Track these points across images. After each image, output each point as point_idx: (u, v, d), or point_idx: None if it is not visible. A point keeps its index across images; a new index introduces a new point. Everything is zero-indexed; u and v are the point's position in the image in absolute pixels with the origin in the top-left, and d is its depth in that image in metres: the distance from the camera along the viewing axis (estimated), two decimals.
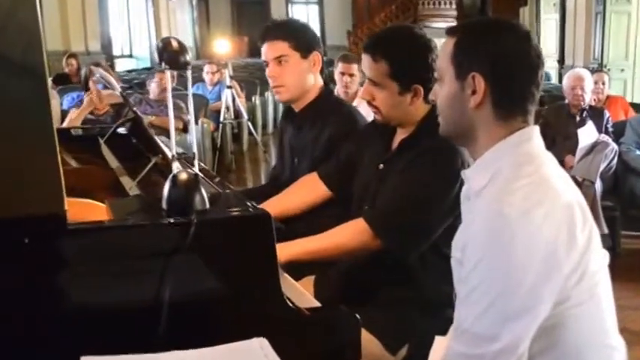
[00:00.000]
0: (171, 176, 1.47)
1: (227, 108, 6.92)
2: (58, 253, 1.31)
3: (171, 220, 1.39)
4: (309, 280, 2.09)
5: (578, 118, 4.69)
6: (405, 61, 1.89)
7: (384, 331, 1.85)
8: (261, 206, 2.14)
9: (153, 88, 5.90)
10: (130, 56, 14.88)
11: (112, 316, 1.35)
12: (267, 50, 2.35)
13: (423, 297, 1.91)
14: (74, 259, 1.32)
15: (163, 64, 1.54)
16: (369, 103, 1.98)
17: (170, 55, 1.53)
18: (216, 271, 1.42)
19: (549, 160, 1.37)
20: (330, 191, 2.25)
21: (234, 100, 6.98)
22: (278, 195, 2.30)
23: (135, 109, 2.12)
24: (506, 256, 1.24)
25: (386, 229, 1.87)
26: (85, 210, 1.70)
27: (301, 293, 1.74)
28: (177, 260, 1.36)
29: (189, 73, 1.55)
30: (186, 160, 2.29)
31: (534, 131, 1.38)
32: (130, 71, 11.36)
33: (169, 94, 1.54)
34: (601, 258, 1.35)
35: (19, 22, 1.25)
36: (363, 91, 1.99)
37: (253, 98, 8.73)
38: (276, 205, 2.22)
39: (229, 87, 6.94)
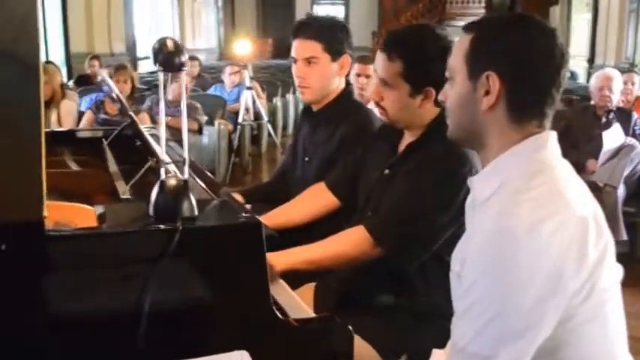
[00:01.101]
0: (159, 182, 1.41)
1: (246, 109, 6.87)
2: (36, 261, 1.26)
3: (154, 228, 1.34)
4: (310, 287, 2.04)
5: (603, 120, 4.54)
6: (421, 62, 1.80)
7: (382, 341, 1.78)
8: (268, 215, 2.13)
9: (173, 88, 5.89)
10: None
11: (92, 326, 1.30)
12: (298, 48, 2.31)
13: (423, 306, 1.85)
14: (53, 267, 1.28)
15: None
16: (377, 103, 1.91)
17: (165, 56, 1.47)
18: (201, 280, 1.38)
19: (565, 168, 1.28)
20: (338, 201, 2.20)
21: (254, 101, 6.93)
22: (286, 204, 2.25)
23: (131, 112, 2.06)
24: (508, 273, 1.15)
25: (387, 238, 1.80)
26: (76, 214, 1.65)
27: (296, 303, 1.69)
28: (160, 269, 1.32)
29: (183, 75, 1.48)
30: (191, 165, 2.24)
31: (550, 137, 1.28)
32: (152, 72, 11.38)
33: (161, 95, 1.48)
34: (614, 274, 1.25)
35: (11, 7, 1.18)
36: (372, 91, 1.93)
37: (274, 99, 8.69)
38: (283, 214, 2.19)
39: (249, 88, 6.89)
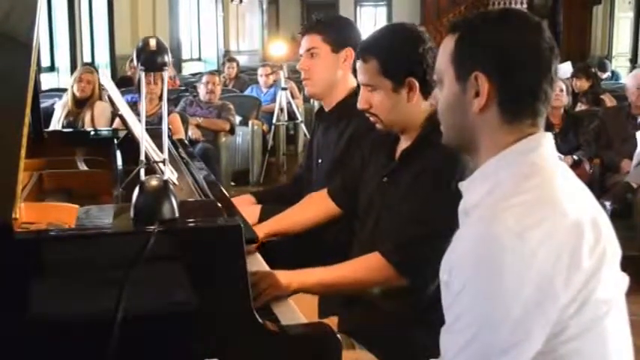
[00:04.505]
0: (139, 183, 1.40)
1: (281, 109, 6.89)
2: (4, 263, 1.24)
3: (128, 229, 1.32)
4: None
5: (639, 120, 4.40)
6: (393, 54, 1.83)
7: (387, 352, 1.73)
8: (268, 222, 2.11)
9: (201, 89, 5.96)
10: (199, 59, 15.11)
11: (64, 331, 1.28)
12: (303, 43, 2.39)
13: (435, 317, 1.78)
14: (23, 270, 1.25)
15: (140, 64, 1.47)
16: (368, 112, 1.90)
17: (147, 55, 1.46)
18: (179, 283, 1.35)
19: (561, 171, 1.20)
20: (339, 209, 2.17)
21: (289, 102, 6.95)
22: (287, 210, 2.23)
23: (120, 113, 2.06)
24: (494, 284, 1.08)
25: (407, 265, 1.74)
26: (71, 215, 1.65)
27: (291, 309, 1.65)
28: (137, 271, 1.28)
29: (165, 74, 1.47)
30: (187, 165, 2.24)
31: (544, 138, 1.22)
32: (194, 74, 11.51)
33: (142, 94, 1.47)
34: (616, 283, 1.17)
35: None
36: (359, 101, 1.91)
37: (312, 100, 8.67)
38: (283, 221, 2.18)
39: (284, 89, 6.91)
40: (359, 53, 1.89)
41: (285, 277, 1.76)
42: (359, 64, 1.89)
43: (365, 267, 1.80)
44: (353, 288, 1.82)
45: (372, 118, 1.90)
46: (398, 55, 1.82)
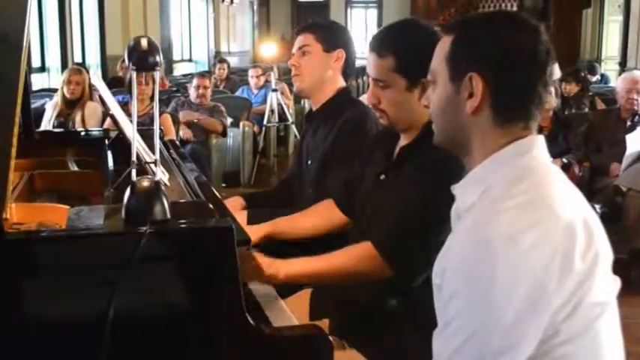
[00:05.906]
0: (131, 184, 1.40)
1: (272, 111, 6.90)
2: None
3: (120, 230, 1.31)
4: (306, 293, 2.00)
5: (628, 123, 4.43)
6: (412, 52, 1.76)
7: (379, 353, 1.72)
8: (275, 221, 2.10)
9: (192, 93, 5.95)
10: (190, 60, 15.09)
11: (53, 334, 1.27)
12: (296, 42, 2.42)
13: (426, 317, 1.78)
14: (13, 271, 1.25)
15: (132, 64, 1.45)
16: (375, 107, 1.86)
17: (139, 55, 1.45)
18: (171, 284, 1.34)
19: (553, 174, 1.21)
20: (348, 218, 2.13)
21: (279, 103, 6.96)
22: (293, 215, 2.21)
23: (112, 112, 2.05)
24: (486, 288, 1.08)
25: (396, 255, 1.73)
26: (63, 216, 1.65)
27: (283, 311, 1.65)
28: (128, 273, 1.28)
29: (157, 75, 1.46)
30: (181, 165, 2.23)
31: (536, 141, 1.22)
32: (185, 75, 11.49)
33: (134, 95, 1.46)
34: (608, 286, 1.17)
35: None
36: (368, 95, 1.87)
37: (303, 101, 8.68)
38: (282, 223, 2.15)
39: (275, 90, 6.92)
40: (374, 47, 1.81)
41: (273, 266, 1.76)
42: (373, 57, 1.82)
43: (355, 256, 1.79)
44: (341, 278, 1.81)
45: (377, 113, 1.87)
46: (417, 55, 1.68)
